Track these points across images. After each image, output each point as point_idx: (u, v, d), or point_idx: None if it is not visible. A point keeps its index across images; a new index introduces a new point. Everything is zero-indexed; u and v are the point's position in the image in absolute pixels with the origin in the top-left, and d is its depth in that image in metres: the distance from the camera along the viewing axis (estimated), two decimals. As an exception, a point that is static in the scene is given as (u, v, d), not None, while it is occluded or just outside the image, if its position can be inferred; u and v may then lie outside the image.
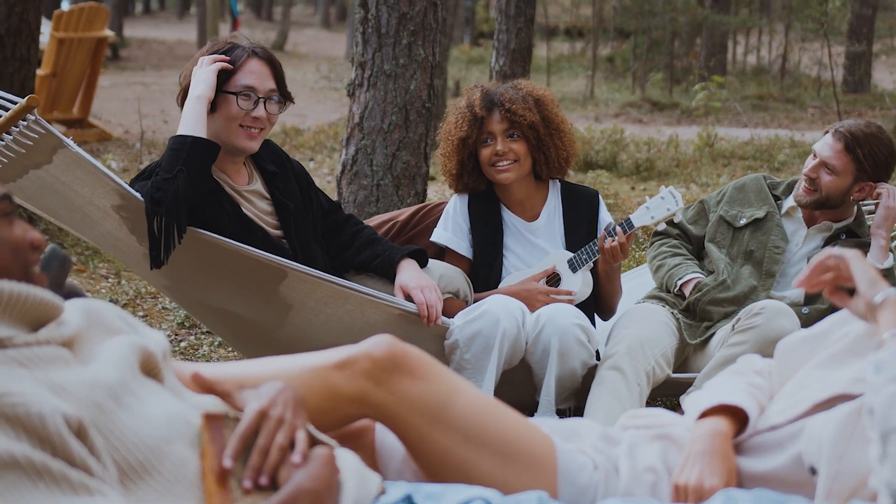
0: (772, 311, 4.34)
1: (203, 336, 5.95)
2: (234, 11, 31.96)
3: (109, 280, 6.95)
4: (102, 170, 4.08)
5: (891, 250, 4.77)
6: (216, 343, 5.81)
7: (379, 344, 2.74)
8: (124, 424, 2.12)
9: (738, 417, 2.87)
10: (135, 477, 2.08)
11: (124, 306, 6.38)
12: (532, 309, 4.52)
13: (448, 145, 4.79)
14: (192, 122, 4.16)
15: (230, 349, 5.70)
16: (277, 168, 4.53)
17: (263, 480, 2.21)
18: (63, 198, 4.25)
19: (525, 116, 4.65)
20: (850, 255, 2.67)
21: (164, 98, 18.48)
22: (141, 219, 4.07)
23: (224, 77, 4.27)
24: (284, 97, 4.42)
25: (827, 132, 4.76)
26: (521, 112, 4.65)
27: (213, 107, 4.26)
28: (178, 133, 4.16)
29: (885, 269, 4.61)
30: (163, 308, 6.44)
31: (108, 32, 12.50)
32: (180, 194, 4.03)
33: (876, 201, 4.77)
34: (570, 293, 4.67)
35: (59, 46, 11.55)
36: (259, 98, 4.29)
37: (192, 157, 4.08)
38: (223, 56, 4.29)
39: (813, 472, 2.60)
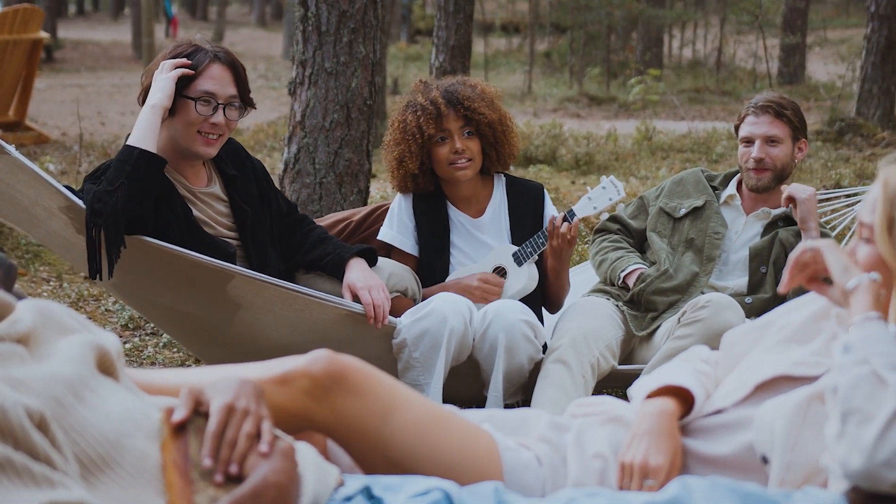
0: (718, 305, 4.38)
1: (147, 337, 5.92)
2: (168, 12, 31.69)
3: (51, 283, 6.89)
4: (46, 178, 4.04)
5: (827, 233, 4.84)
6: (161, 344, 5.78)
7: (318, 360, 2.71)
8: (84, 419, 2.12)
9: (684, 399, 2.91)
10: (96, 471, 2.08)
11: (67, 309, 6.32)
12: (471, 300, 4.57)
13: (410, 144, 4.74)
14: (144, 131, 4.12)
15: (175, 350, 5.68)
16: (237, 170, 4.51)
17: (234, 469, 2.21)
18: (8, 198, 4.22)
19: (485, 115, 4.68)
20: (823, 244, 2.70)
21: (101, 99, 18.34)
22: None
23: (185, 81, 4.23)
24: (245, 103, 4.40)
25: (744, 117, 4.90)
26: (481, 110, 4.67)
27: (173, 110, 4.23)
28: (128, 142, 4.13)
29: None
30: (106, 310, 6.40)
31: (43, 34, 12.35)
32: (119, 208, 4.00)
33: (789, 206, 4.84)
34: (500, 282, 4.70)
35: (-6, 49, 11.42)
36: (219, 104, 4.26)
37: (135, 171, 4.05)
38: (185, 60, 4.25)
39: (765, 461, 2.64)
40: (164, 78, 4.19)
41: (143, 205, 4.08)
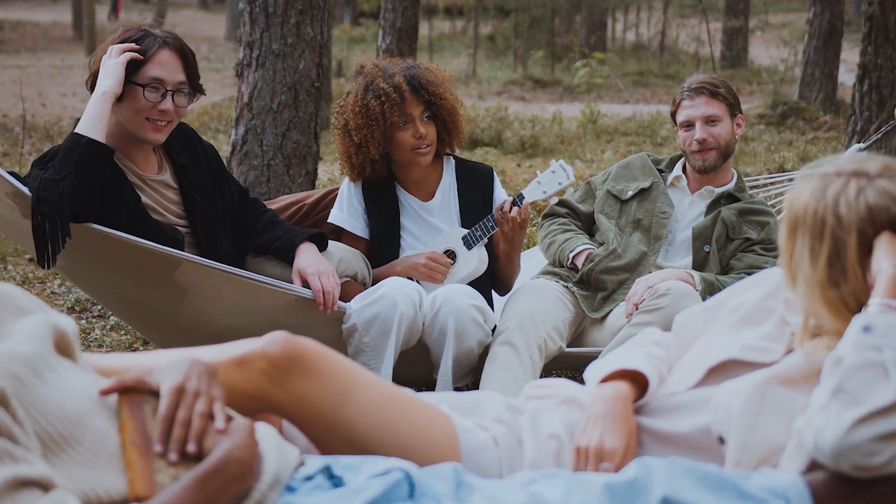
0: (678, 293, 4.39)
1: (95, 320, 5.89)
2: (109, -8, 31.20)
3: (-5, 266, 6.84)
4: None
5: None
6: (108, 327, 5.75)
7: (275, 342, 2.71)
8: (45, 397, 2.11)
9: (638, 383, 2.93)
10: (56, 449, 2.08)
11: (12, 292, 6.26)
12: (417, 277, 4.59)
13: (374, 130, 4.65)
14: (93, 119, 4.05)
15: (123, 332, 5.65)
16: (188, 157, 4.45)
17: (192, 448, 2.21)
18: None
19: (447, 99, 4.67)
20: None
21: (42, 81, 18.17)
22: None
23: (133, 66, 4.16)
24: (195, 89, 4.34)
25: (680, 102, 4.93)
26: (444, 95, 4.67)
27: (121, 97, 4.14)
28: (77, 129, 4.07)
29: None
30: (51, 293, 6.35)
31: (-17, 15, 12.22)
32: (65, 197, 3.94)
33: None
34: (448, 263, 4.71)
35: (-67, 30, 11.27)
36: (167, 91, 4.19)
37: (82, 160, 3.99)
38: (133, 45, 4.18)
39: (721, 441, 2.66)
40: (113, 63, 4.12)
41: (89, 194, 4.03)
